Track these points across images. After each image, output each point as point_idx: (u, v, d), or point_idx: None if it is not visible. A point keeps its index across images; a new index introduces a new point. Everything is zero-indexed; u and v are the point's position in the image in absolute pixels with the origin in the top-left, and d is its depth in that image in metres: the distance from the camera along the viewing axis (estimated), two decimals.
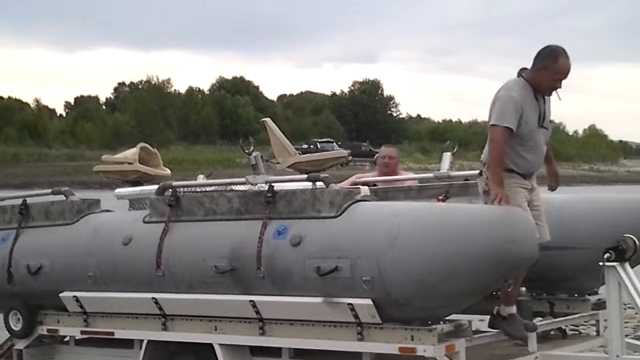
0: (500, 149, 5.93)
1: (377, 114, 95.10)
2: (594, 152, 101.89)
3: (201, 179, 8.60)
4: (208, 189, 7.04)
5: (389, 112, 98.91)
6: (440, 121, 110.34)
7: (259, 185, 6.40)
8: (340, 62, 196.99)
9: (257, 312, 6.11)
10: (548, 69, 6.01)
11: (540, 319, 6.78)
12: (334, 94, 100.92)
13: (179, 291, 6.45)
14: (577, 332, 8.13)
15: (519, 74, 6.10)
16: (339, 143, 62.07)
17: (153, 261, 6.48)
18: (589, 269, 6.34)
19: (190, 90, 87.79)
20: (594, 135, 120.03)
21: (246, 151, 6.52)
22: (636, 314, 6.69)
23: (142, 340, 6.71)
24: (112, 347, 7.13)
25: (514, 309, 6.15)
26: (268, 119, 8.70)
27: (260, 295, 6.08)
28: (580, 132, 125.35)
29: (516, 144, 6.03)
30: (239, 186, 6.84)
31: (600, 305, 6.70)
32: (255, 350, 6.37)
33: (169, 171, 8.96)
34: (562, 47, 6.10)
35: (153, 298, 6.52)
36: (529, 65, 6.10)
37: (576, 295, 6.87)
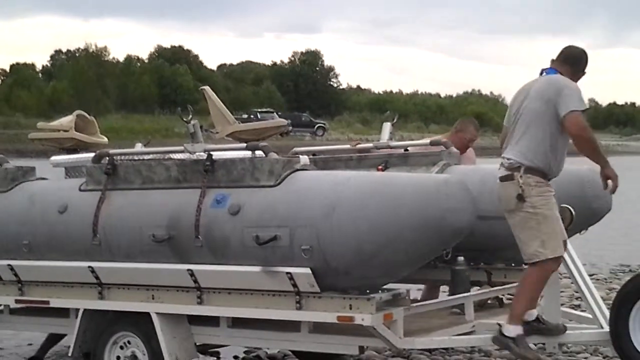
0: (592, 134, 5.88)
1: (318, 85, 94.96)
2: None
3: (139, 147, 8.49)
4: (146, 157, 6.95)
5: (329, 82, 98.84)
6: (380, 92, 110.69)
7: (197, 153, 6.34)
8: (282, 32, 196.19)
9: (195, 281, 6.08)
10: (580, 75, 6.08)
11: (478, 287, 6.85)
12: (274, 64, 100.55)
13: (116, 260, 6.38)
14: None
15: (557, 71, 6.02)
16: (279, 113, 61.76)
17: (89, 230, 6.40)
18: None
19: (129, 58, 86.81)
20: None
21: (185, 119, 6.44)
22: (572, 283, 6.76)
23: (77, 310, 6.63)
24: (48, 316, 7.04)
25: (521, 330, 5.97)
26: (207, 87, 8.62)
27: (199, 264, 6.04)
28: None
29: (557, 144, 5.91)
30: (177, 155, 6.76)
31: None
32: (193, 319, 6.35)
33: (105, 139, 8.84)
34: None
35: (89, 267, 6.44)
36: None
37: (513, 264, 6.94)
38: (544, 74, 6.02)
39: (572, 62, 6.06)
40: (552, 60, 6.10)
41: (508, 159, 5.94)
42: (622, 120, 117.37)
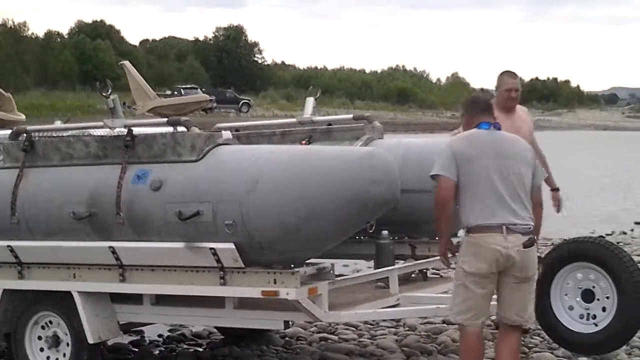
0: None
1: (242, 61, 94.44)
2: (456, 99, 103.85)
3: (58, 124, 8.33)
4: (65, 133, 6.83)
5: (254, 58, 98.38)
6: (305, 68, 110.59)
7: (117, 129, 6.24)
8: (205, 6, 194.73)
9: (117, 259, 6.00)
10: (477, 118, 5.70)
11: (402, 261, 6.88)
12: (198, 40, 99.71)
13: (36, 239, 6.27)
14: (438, 275, 8.28)
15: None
16: (204, 90, 61.31)
17: (7, 208, 6.27)
18: None
19: (49, 34, 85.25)
20: (456, 82, 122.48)
21: (104, 94, 6.33)
22: None
23: None
24: None
25: None
26: (127, 62, 8.52)
27: (120, 242, 5.96)
28: (443, 79, 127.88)
29: None
30: (96, 130, 6.66)
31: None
32: (116, 297, 6.27)
33: (23, 116, 8.68)
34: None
35: (8, 246, 6.31)
36: None
37: (437, 237, 6.98)
38: (491, 128, 5.58)
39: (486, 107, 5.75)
40: (481, 109, 5.71)
41: (526, 223, 5.39)
42: (545, 95, 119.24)
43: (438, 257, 6.64)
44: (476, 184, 5.40)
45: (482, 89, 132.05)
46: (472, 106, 5.73)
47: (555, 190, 7.73)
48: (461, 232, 6.09)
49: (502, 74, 7.52)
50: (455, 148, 5.47)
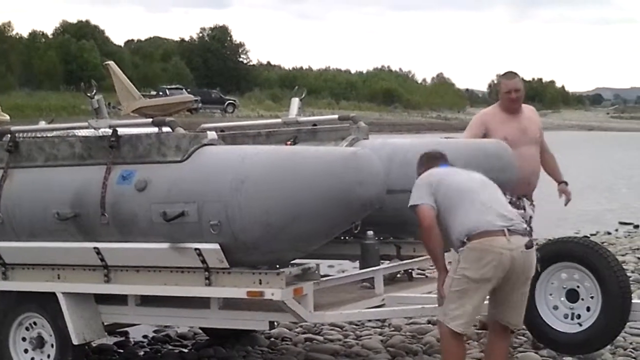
0: None
1: (227, 61, 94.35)
2: (442, 100, 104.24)
3: (42, 124, 8.30)
4: (49, 134, 6.81)
5: (239, 59, 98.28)
6: (290, 68, 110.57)
7: (102, 129, 6.22)
8: (190, 6, 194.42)
9: (102, 259, 5.99)
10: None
11: (388, 261, 6.89)
12: (183, 40, 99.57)
13: (20, 239, 6.24)
14: (424, 275, 8.29)
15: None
16: (189, 90, 61.26)
17: None
18: None
19: (33, 34, 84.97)
20: (441, 83, 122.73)
21: (88, 94, 6.31)
22: None
23: None
24: None
25: None
26: (111, 62, 8.55)
27: (105, 242, 5.95)
28: (429, 80, 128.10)
29: None
30: (81, 131, 6.63)
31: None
32: (100, 298, 6.26)
33: (7, 116, 8.68)
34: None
35: None
36: None
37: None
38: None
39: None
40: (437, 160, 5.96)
41: (520, 224, 5.51)
42: (530, 96, 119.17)
43: (423, 257, 6.69)
44: (460, 199, 5.50)
45: (467, 90, 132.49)
46: (428, 160, 5.96)
47: (562, 183, 7.73)
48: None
49: (501, 76, 7.56)
50: (426, 179, 5.65)
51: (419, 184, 5.65)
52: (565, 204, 7.81)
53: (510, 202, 7.18)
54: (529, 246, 5.42)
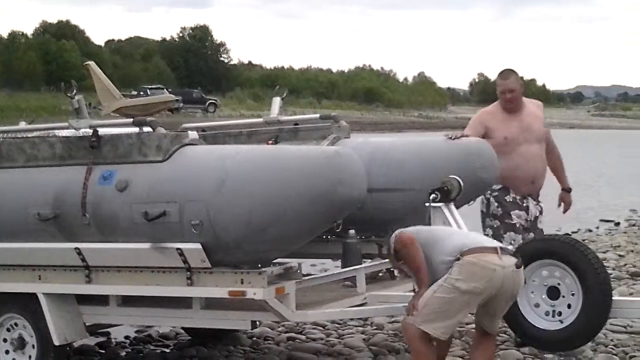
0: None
1: (208, 61, 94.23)
2: (423, 98, 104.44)
3: (23, 125, 8.27)
4: (30, 134, 6.78)
5: (220, 58, 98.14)
6: (272, 68, 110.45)
7: (82, 130, 6.20)
8: (171, 6, 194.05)
9: (83, 260, 5.96)
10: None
11: (369, 260, 6.89)
12: (164, 40, 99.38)
13: (0, 240, 6.21)
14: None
15: None
16: (170, 90, 61.12)
17: None
18: (415, 210, 6.45)
19: (13, 34, 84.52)
20: (423, 82, 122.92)
21: (69, 95, 6.29)
22: None
23: None
24: None
25: None
26: (91, 63, 8.53)
27: (86, 243, 5.93)
28: (410, 79, 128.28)
29: None
30: (62, 131, 6.61)
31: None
32: (82, 299, 6.24)
33: None
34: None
35: None
36: None
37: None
38: None
39: None
40: None
41: (509, 247, 5.74)
42: None
43: None
44: (444, 234, 5.65)
45: (448, 88, 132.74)
46: None
47: (566, 190, 7.62)
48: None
49: (497, 75, 7.41)
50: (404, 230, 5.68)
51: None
52: (564, 212, 7.75)
53: (513, 202, 7.23)
54: (518, 266, 5.47)
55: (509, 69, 7.38)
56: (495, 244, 5.55)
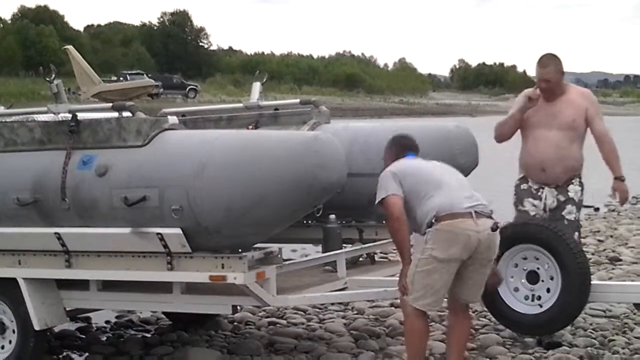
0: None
1: (188, 46, 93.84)
2: (404, 85, 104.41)
3: (1, 110, 8.22)
4: (8, 119, 6.74)
5: (200, 44, 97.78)
6: (252, 53, 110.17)
7: (61, 114, 6.17)
8: None
9: (63, 245, 5.94)
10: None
11: (350, 245, 6.91)
12: (143, 25, 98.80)
13: None
14: (386, 259, 8.34)
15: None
16: (150, 75, 60.84)
17: None
18: None
19: None
20: (404, 68, 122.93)
21: (47, 79, 6.25)
22: None
23: None
24: None
25: None
26: (70, 47, 8.49)
27: (66, 227, 5.91)
28: (391, 65, 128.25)
29: None
30: (41, 116, 6.57)
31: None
32: (62, 283, 6.23)
33: None
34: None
35: None
36: None
37: (384, 222, 7.01)
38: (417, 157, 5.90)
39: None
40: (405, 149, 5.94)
41: (486, 206, 5.57)
42: (491, 80, 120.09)
43: (385, 241, 6.71)
44: (425, 184, 5.57)
45: (429, 74, 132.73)
46: (398, 147, 5.96)
47: (617, 178, 6.95)
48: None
49: (537, 61, 6.85)
50: (392, 170, 5.66)
51: (384, 177, 5.66)
52: (621, 204, 7.32)
53: (527, 190, 6.92)
54: (494, 229, 5.50)
55: (549, 55, 6.88)
56: (471, 205, 5.48)
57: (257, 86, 7.79)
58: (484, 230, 5.44)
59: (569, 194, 6.90)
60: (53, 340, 7.25)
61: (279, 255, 5.89)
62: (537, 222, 6.75)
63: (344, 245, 6.81)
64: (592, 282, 6.38)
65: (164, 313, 7.81)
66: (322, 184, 5.54)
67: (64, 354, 7.24)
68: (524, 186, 6.98)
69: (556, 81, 6.80)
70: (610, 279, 9.17)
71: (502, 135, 7.01)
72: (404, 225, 5.54)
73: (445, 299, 5.72)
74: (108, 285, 6.20)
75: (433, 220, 5.44)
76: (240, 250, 5.62)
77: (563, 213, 6.85)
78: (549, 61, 6.81)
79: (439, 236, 5.43)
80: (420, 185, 5.58)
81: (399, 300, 5.92)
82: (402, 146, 5.96)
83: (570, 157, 6.88)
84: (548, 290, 6.40)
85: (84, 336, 7.70)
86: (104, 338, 7.70)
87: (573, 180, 6.93)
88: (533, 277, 6.46)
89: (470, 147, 6.94)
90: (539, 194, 6.90)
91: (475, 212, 5.46)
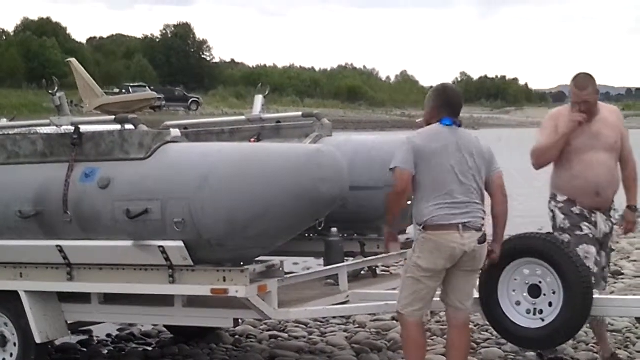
0: None
1: (191, 59, 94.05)
2: (406, 97, 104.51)
3: (4, 122, 8.23)
4: (11, 131, 6.75)
5: (202, 56, 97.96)
6: (254, 66, 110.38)
7: (64, 127, 6.18)
8: (154, 3, 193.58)
9: (65, 257, 5.95)
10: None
11: (352, 258, 6.90)
12: (146, 37, 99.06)
13: None
14: (388, 272, 8.33)
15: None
16: (152, 88, 60.94)
17: None
18: None
19: None
20: (405, 81, 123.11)
21: (50, 92, 6.27)
22: None
23: None
24: None
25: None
26: (73, 60, 8.49)
27: (68, 240, 5.91)
28: (393, 78, 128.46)
29: None
30: (43, 128, 6.59)
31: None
32: (64, 296, 6.22)
33: None
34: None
35: None
36: None
37: (384, 229, 7.01)
38: (453, 125, 5.63)
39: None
40: (446, 102, 5.67)
41: (479, 220, 5.55)
42: (493, 93, 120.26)
43: (387, 255, 6.70)
44: (434, 182, 5.50)
45: (431, 87, 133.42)
46: (438, 97, 5.70)
47: (629, 207, 6.65)
48: (409, 229, 6.14)
49: (572, 79, 6.55)
50: (415, 144, 5.52)
51: (405, 145, 5.50)
52: (624, 233, 7.01)
53: (580, 214, 6.55)
54: (481, 242, 5.56)
55: (585, 75, 6.53)
56: (462, 218, 5.45)
57: (259, 99, 7.80)
58: (470, 242, 5.49)
59: (612, 219, 6.69)
60: (54, 353, 7.24)
61: (281, 269, 5.89)
62: (539, 236, 6.72)
63: (345, 258, 6.80)
64: (594, 296, 6.36)
65: (165, 326, 7.80)
66: (324, 198, 5.54)
67: None
68: (575, 210, 6.62)
69: (594, 102, 6.58)
70: (612, 293, 9.14)
71: (547, 161, 6.69)
72: (403, 200, 5.56)
73: (444, 311, 5.73)
74: (110, 298, 6.19)
75: (421, 228, 5.49)
76: (242, 263, 5.61)
77: (609, 242, 6.67)
78: (587, 82, 6.52)
79: (425, 246, 5.49)
80: (426, 181, 5.50)
81: (395, 310, 5.93)
82: (445, 104, 5.66)
83: (618, 180, 6.67)
84: (550, 304, 6.36)
85: (85, 349, 7.69)
86: (105, 351, 7.69)
87: (612, 204, 6.73)
88: (535, 291, 6.42)
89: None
90: (592, 218, 6.60)
91: (464, 225, 5.47)
